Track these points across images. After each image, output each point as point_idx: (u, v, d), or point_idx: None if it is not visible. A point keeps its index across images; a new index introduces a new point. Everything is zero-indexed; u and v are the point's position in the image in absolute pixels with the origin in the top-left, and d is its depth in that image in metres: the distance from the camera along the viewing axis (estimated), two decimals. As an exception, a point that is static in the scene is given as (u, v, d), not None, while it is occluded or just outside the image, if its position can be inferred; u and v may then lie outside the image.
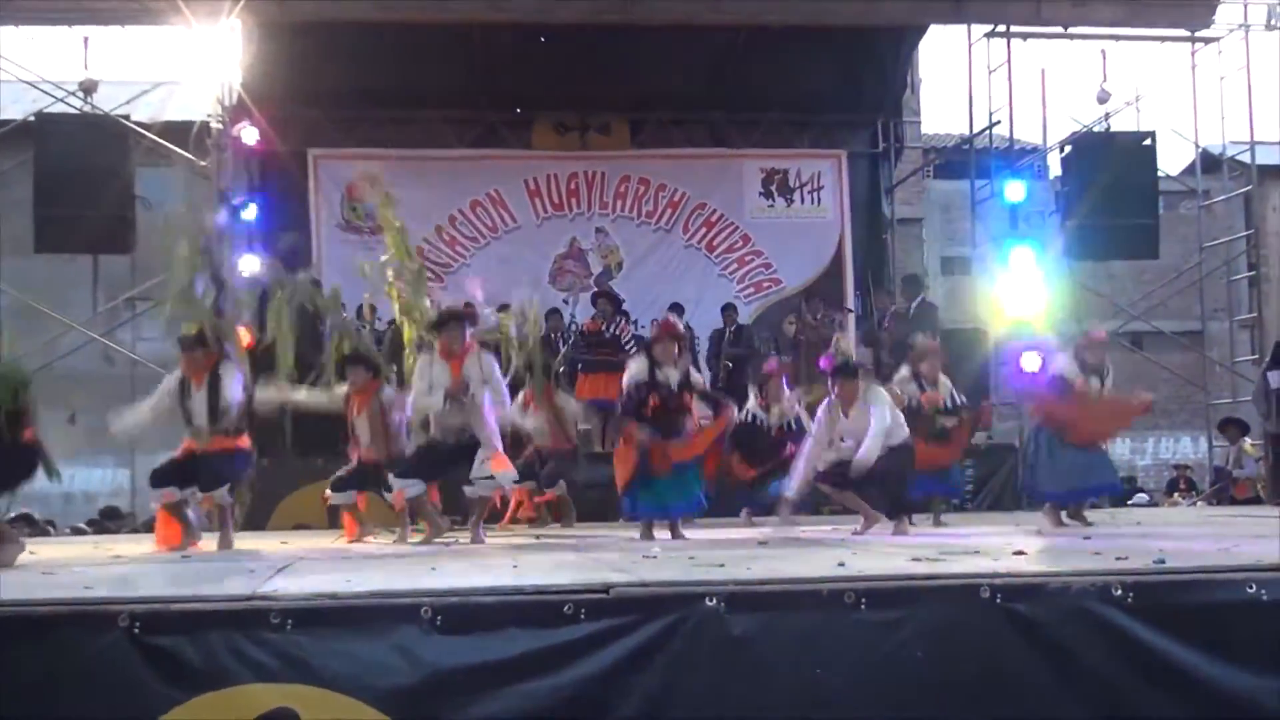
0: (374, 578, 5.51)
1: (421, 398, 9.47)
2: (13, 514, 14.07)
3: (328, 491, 10.56)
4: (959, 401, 11.52)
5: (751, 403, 12.02)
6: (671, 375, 9.46)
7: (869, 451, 9.43)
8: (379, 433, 10.11)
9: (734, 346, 15.87)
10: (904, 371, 11.17)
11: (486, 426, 9.38)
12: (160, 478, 9.24)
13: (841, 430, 9.67)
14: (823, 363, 9.85)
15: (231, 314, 9.71)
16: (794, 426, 11.78)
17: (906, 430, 9.90)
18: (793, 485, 9.81)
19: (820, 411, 10.00)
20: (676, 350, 9.58)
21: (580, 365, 14.92)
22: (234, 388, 9.20)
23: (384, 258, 11.41)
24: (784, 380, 12.14)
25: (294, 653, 4.54)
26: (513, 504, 12.14)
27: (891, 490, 9.74)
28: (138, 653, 4.49)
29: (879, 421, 9.55)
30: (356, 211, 17.38)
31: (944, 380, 11.67)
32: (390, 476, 9.67)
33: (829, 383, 9.83)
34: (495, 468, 9.32)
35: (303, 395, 10.48)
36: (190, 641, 4.52)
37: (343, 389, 10.41)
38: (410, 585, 5.07)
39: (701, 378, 10.15)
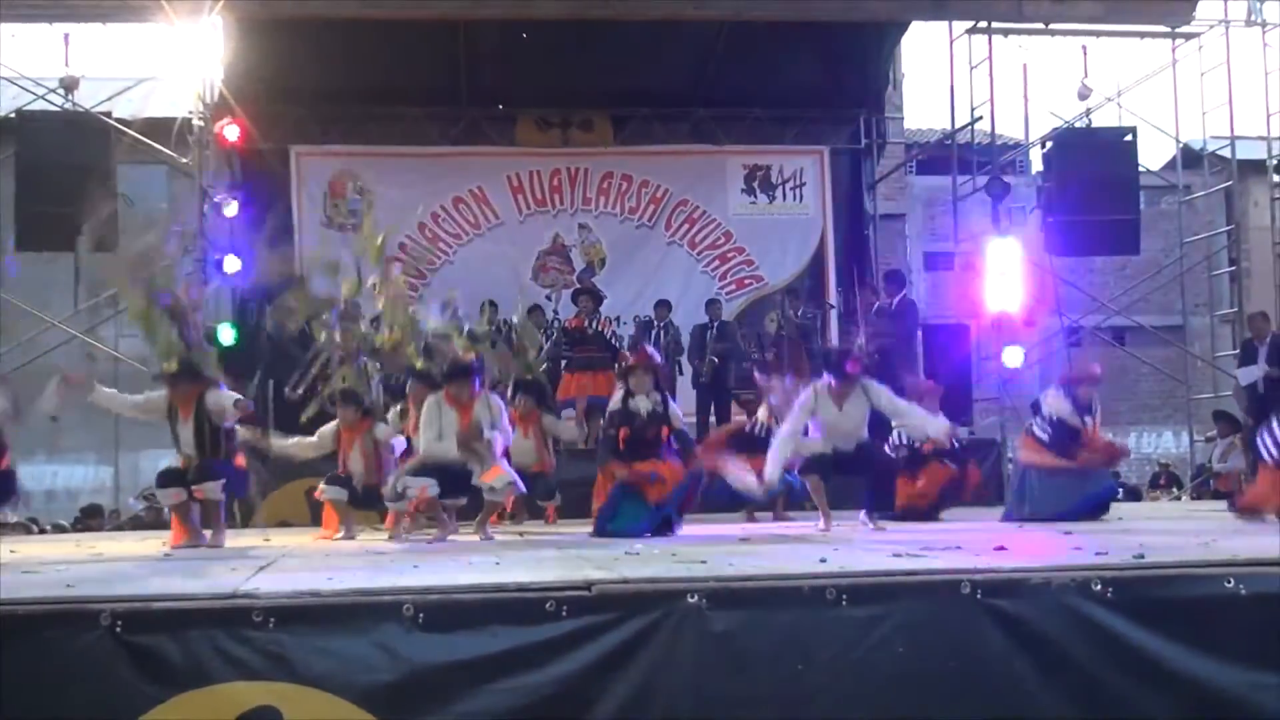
0: (356, 575, 5.51)
1: (433, 445, 9.40)
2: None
3: (321, 486, 10.52)
4: (961, 443, 11.74)
5: (761, 418, 11.98)
6: (643, 405, 9.52)
7: (934, 423, 10.00)
8: (372, 468, 10.23)
9: (719, 342, 15.88)
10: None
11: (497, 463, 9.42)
12: (167, 478, 9.18)
13: (833, 423, 9.67)
14: (849, 367, 9.75)
15: (199, 341, 9.60)
16: None
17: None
18: (770, 472, 9.54)
19: (800, 401, 9.86)
20: (651, 380, 9.64)
21: (564, 363, 14.94)
22: (223, 417, 9.13)
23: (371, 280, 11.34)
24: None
25: (276, 650, 4.54)
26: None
27: (881, 487, 9.85)
28: (120, 651, 4.49)
29: (898, 402, 9.79)
30: (339, 209, 17.39)
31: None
32: (402, 480, 9.54)
33: (837, 379, 9.70)
34: (489, 478, 9.27)
35: (292, 444, 10.59)
36: (172, 640, 4.52)
37: (331, 426, 10.51)
38: (392, 583, 5.08)
39: (679, 413, 10.05)
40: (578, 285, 17.15)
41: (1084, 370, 11.06)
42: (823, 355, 11.66)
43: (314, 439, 10.61)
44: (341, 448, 10.44)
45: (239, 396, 9.26)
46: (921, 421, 10.02)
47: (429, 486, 9.30)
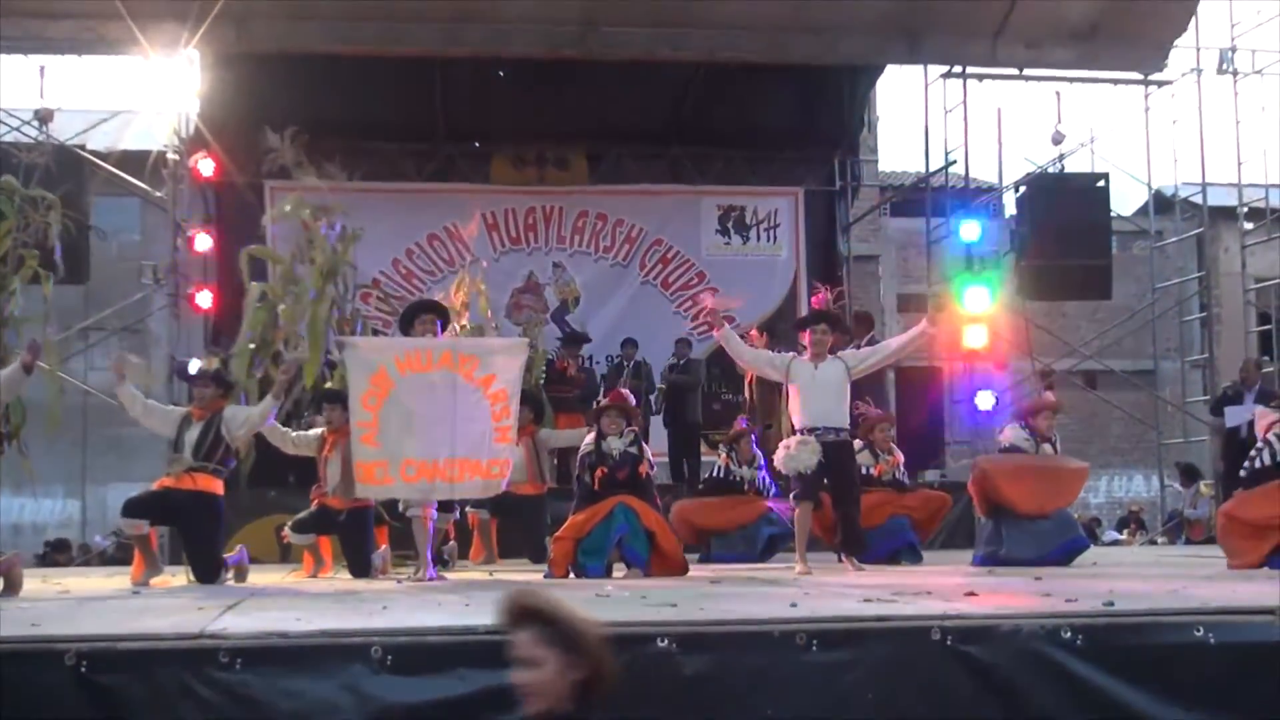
0: (325, 616, 5.47)
1: None
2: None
3: (286, 530, 10.53)
4: (905, 479, 12.00)
5: (720, 461, 12.23)
6: (615, 445, 9.48)
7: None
8: (348, 477, 9.87)
9: (681, 374, 15.89)
10: (856, 443, 10.97)
11: None
12: (133, 508, 9.17)
13: (809, 384, 9.66)
14: (814, 300, 9.93)
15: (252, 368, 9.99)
16: (767, 484, 11.98)
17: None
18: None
19: (772, 354, 10.18)
20: (624, 421, 9.61)
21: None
22: (235, 431, 9.26)
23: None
24: (754, 439, 12.26)
25: (243, 691, 4.49)
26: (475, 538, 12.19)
27: (856, 526, 9.84)
28: (84, 692, 4.43)
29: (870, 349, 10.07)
30: (314, 244, 17.32)
31: (897, 451, 11.86)
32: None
33: (808, 329, 9.86)
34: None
35: (282, 431, 10.45)
36: (138, 680, 4.47)
37: (317, 431, 10.42)
38: (361, 624, 5.04)
39: (650, 456, 9.88)
40: (569, 329, 17.14)
41: (1038, 400, 11.09)
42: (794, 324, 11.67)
43: (303, 434, 10.53)
44: (321, 453, 10.30)
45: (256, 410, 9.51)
46: (899, 342, 10.14)
47: (431, 507, 9.18)
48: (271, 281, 11.82)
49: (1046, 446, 10.52)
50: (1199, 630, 4.97)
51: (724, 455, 12.43)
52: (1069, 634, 4.91)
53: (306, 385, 10.92)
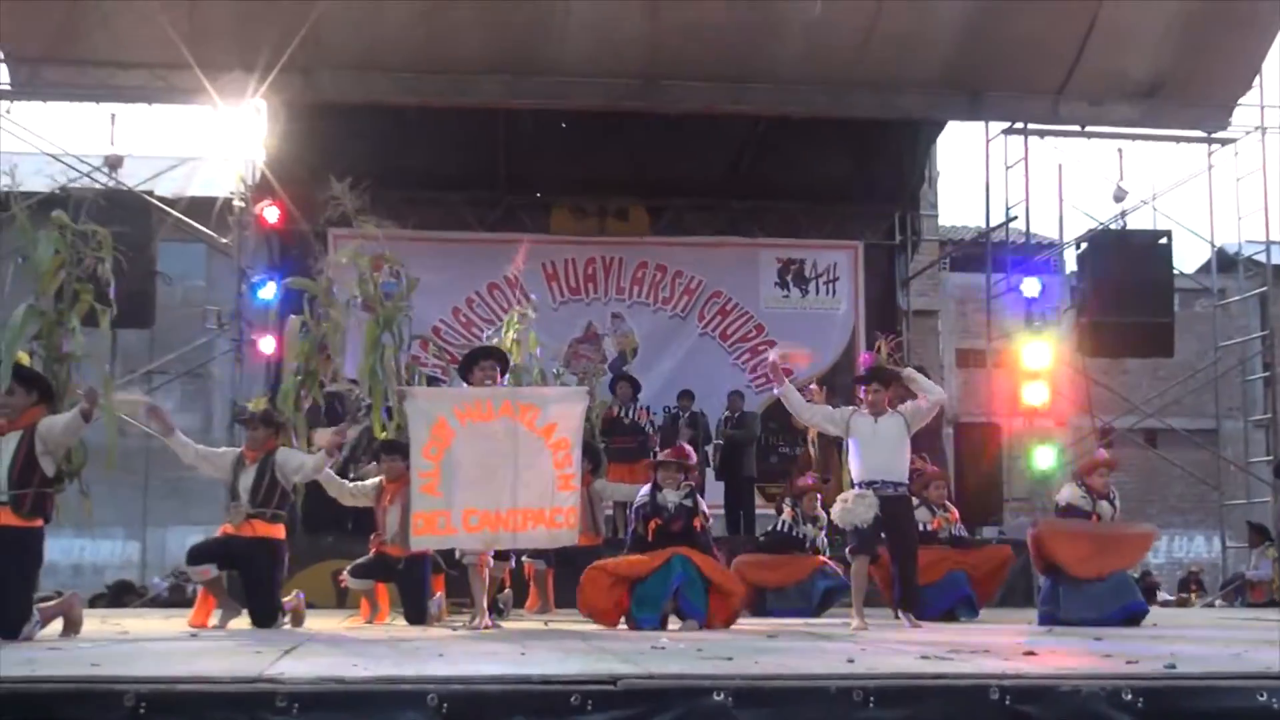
0: (381, 663, 5.48)
1: None
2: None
3: (344, 575, 10.57)
4: (964, 534, 12.04)
5: (785, 515, 12.18)
6: (671, 498, 9.43)
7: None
8: (406, 526, 9.92)
9: (735, 429, 15.88)
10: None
11: None
12: (198, 555, 9.28)
13: (869, 439, 9.73)
14: (864, 358, 9.93)
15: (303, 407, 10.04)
16: (826, 544, 11.95)
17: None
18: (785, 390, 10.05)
19: (832, 409, 10.25)
20: (681, 475, 9.56)
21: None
22: (290, 476, 9.36)
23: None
24: (819, 497, 12.23)
25: (298, 737, 4.51)
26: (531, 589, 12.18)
27: (913, 582, 9.81)
28: (143, 733, 4.46)
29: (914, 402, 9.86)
30: (371, 295, 17.46)
31: (952, 507, 11.81)
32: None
33: (862, 386, 10.00)
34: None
35: (338, 483, 10.48)
36: (195, 723, 4.49)
37: (374, 481, 10.47)
38: (418, 671, 5.05)
39: (706, 510, 9.78)
40: (611, 374, 17.14)
41: (1092, 458, 11.00)
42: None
43: (360, 485, 10.56)
44: (380, 503, 10.36)
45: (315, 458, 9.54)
46: (929, 403, 9.98)
47: (487, 555, 9.19)
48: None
49: (1104, 504, 10.41)
50: (1263, 695, 4.89)
51: (789, 509, 12.39)
52: (1130, 696, 4.84)
53: (376, 435, 11.00)
